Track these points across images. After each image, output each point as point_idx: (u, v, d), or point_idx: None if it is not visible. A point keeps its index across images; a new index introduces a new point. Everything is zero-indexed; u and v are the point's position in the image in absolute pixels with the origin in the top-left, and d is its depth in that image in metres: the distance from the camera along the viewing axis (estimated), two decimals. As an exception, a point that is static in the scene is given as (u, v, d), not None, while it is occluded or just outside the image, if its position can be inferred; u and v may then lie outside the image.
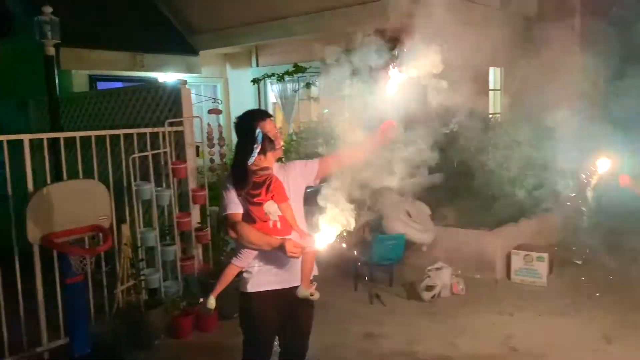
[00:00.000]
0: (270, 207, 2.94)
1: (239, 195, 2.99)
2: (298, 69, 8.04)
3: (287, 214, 2.99)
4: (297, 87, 8.71)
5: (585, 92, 9.89)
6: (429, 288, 6.09)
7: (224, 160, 6.51)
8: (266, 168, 2.98)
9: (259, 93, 10.02)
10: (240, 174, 2.97)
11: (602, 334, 5.04)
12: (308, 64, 8.20)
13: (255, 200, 2.95)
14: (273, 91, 9.73)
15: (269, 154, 2.97)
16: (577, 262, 7.22)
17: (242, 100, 10.05)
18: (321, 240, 2.97)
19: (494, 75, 8.95)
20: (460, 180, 7.11)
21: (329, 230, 2.96)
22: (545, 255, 6.54)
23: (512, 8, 8.67)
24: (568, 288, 6.36)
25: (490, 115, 8.59)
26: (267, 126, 3.10)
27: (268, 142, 2.96)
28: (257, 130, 2.93)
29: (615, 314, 5.45)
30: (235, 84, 10.66)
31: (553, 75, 9.13)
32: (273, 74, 8.41)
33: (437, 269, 6.24)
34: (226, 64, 10.85)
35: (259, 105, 10.05)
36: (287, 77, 8.42)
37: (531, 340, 5.01)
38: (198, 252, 6.03)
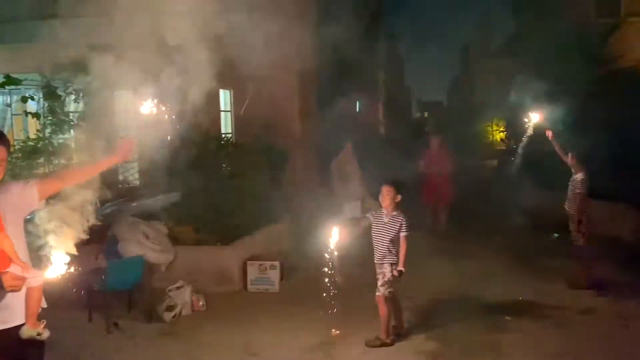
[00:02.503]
0: None
1: None
2: (11, 81, 7.12)
3: (4, 245, 2.65)
4: (9, 100, 7.69)
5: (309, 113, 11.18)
6: (170, 308, 6.04)
7: None
8: None
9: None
10: None
11: (327, 327, 5.70)
12: (23, 75, 7.34)
13: None
14: (-23, 104, 8.42)
15: None
16: (303, 265, 8.03)
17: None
18: (49, 271, 2.73)
19: (224, 97, 9.39)
20: (198, 198, 7.25)
21: (58, 259, 2.73)
22: (278, 263, 7.12)
23: (241, 33, 9.23)
24: (297, 291, 7.03)
25: (224, 135, 8.98)
26: None
27: None
28: None
29: (337, 310, 6.22)
30: None
31: (276, 97, 10.10)
32: (-21, 86, 7.28)
33: (178, 288, 6.24)
34: None
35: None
36: (-4, 89, 7.40)
37: (268, 342, 5.40)
38: None
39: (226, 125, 9.35)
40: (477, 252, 8.74)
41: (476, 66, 31.48)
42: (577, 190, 6.56)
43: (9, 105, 7.72)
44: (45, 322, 2.86)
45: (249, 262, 7.14)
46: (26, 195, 2.88)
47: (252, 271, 7.10)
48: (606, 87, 10.20)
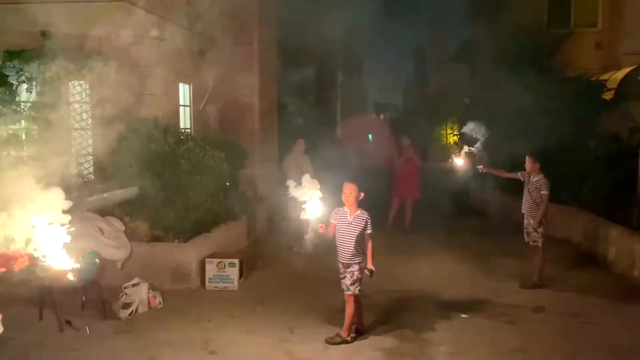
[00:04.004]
0: None
1: None
2: None
3: None
4: (-45, 87, 7.28)
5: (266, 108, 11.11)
6: (126, 305, 5.89)
7: None
8: None
9: None
10: None
11: (286, 325, 5.71)
12: (-30, 61, 6.98)
13: None
14: None
15: None
16: (260, 264, 8.00)
17: None
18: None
19: (184, 92, 9.20)
20: (156, 193, 7.08)
21: None
22: (237, 261, 7.04)
23: (198, 29, 9.09)
24: (256, 289, 7.00)
25: (182, 129, 8.80)
26: None
27: None
28: None
29: (296, 308, 6.23)
30: None
31: (236, 93, 10.00)
32: None
33: (134, 285, 6.09)
34: None
35: None
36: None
37: (227, 341, 5.34)
38: None
39: (185, 120, 9.18)
40: (434, 250, 8.95)
41: (431, 70, 32.12)
42: (543, 192, 6.76)
43: (-46, 93, 7.31)
44: (1, 317, 2.74)
45: (207, 259, 7.04)
46: None
47: (211, 269, 7.00)
48: (556, 95, 10.61)
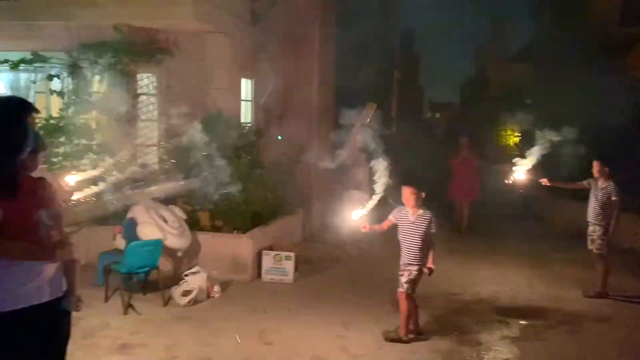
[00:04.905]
0: (43, 215, 2.58)
1: None
2: (39, 58, 7.13)
3: (61, 220, 2.70)
4: (35, 77, 7.71)
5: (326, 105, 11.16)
6: (186, 293, 6.07)
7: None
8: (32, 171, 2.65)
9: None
10: (2, 176, 2.52)
11: (341, 321, 5.73)
12: (49, 53, 7.36)
13: (24, 207, 2.55)
14: (1, 80, 8.41)
15: (40, 156, 2.69)
16: (316, 258, 8.06)
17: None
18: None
19: (246, 86, 9.37)
20: (217, 185, 7.25)
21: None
22: (293, 254, 7.13)
23: (262, 24, 9.24)
24: (311, 283, 7.06)
25: (244, 124, 8.98)
26: (33, 121, 2.71)
27: (42, 141, 2.71)
28: (32, 128, 2.61)
29: (351, 305, 6.25)
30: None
31: (296, 89, 10.09)
32: (6, 60, 7.27)
33: (194, 273, 6.26)
34: None
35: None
36: (22, 66, 7.39)
37: (283, 333, 5.42)
38: None
39: (246, 115, 9.35)
40: (491, 254, 8.74)
41: (492, 69, 31.25)
42: (614, 198, 6.48)
43: (34, 82, 7.74)
44: (82, 296, 2.90)
45: (264, 251, 7.16)
46: None
47: (267, 261, 7.12)
48: (627, 97, 10.12)
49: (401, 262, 5.25)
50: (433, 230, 5.17)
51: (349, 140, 10.07)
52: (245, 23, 8.97)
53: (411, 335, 5.24)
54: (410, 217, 5.17)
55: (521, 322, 5.87)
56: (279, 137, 9.57)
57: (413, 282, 5.16)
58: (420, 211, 5.17)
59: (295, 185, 9.11)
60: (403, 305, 5.19)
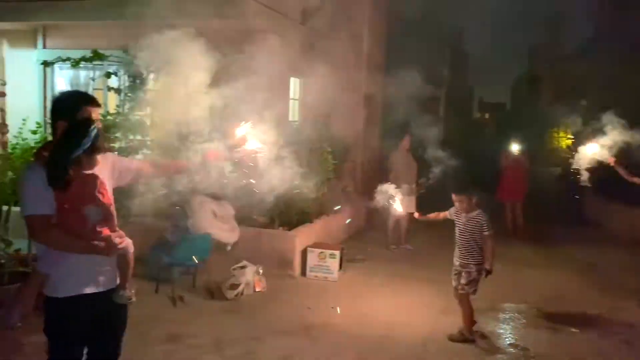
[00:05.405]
0: (92, 210, 2.70)
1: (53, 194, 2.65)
2: (98, 56, 7.44)
3: (113, 216, 2.79)
4: (93, 75, 8.04)
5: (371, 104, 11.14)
6: (233, 286, 6.19)
7: (7, 149, 5.71)
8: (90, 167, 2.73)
9: (45, 77, 8.97)
10: (57, 170, 2.60)
11: (386, 321, 5.71)
12: (107, 51, 7.65)
13: (74, 201, 2.66)
14: (63, 77, 8.82)
15: (98, 155, 2.75)
16: (361, 258, 8.07)
17: (22, 84, 8.87)
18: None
19: (294, 85, 9.47)
20: (264, 181, 7.35)
21: None
22: (337, 253, 7.15)
23: (311, 23, 9.30)
24: (355, 282, 7.06)
25: (291, 122, 9.07)
26: (95, 114, 2.80)
27: (101, 141, 2.73)
28: (93, 127, 2.66)
29: (395, 306, 6.22)
30: (14, 65, 9.36)
31: (345, 90, 10.10)
32: (69, 58, 7.62)
33: (241, 267, 6.38)
34: (3, 40, 9.46)
35: (45, 90, 9.00)
36: (82, 64, 7.72)
37: (327, 330, 5.45)
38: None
39: (294, 113, 9.45)
40: (540, 260, 8.51)
41: (546, 68, 30.31)
42: None
43: (93, 80, 8.07)
44: (136, 289, 2.99)
45: (309, 248, 7.22)
46: (123, 170, 3.04)
47: (312, 258, 7.17)
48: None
49: (456, 263, 5.26)
50: (486, 232, 5.10)
51: (397, 139, 10.04)
52: (295, 21, 9.05)
53: (475, 335, 5.27)
54: (462, 219, 5.19)
55: (572, 330, 5.69)
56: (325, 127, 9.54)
57: (474, 283, 5.17)
58: (474, 213, 5.17)
59: (341, 184, 9.13)
60: (465, 306, 5.22)
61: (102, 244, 2.72)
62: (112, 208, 2.84)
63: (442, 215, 5.45)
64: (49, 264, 2.79)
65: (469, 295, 5.21)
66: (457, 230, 5.26)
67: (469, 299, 5.21)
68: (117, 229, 2.90)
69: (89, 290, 2.84)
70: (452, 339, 5.24)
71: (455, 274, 5.27)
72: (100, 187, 2.76)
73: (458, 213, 5.24)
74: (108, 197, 2.80)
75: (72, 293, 2.80)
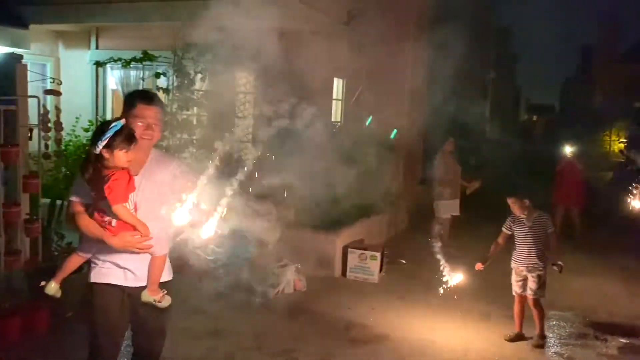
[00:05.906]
0: (106, 205, 2.74)
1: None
2: (148, 57, 7.67)
3: (123, 216, 2.74)
4: (143, 75, 8.29)
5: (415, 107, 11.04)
6: (274, 285, 6.27)
7: (61, 146, 5.97)
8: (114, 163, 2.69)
9: (97, 77, 9.31)
10: (84, 160, 2.77)
11: (427, 325, 5.67)
12: (157, 52, 7.88)
13: (95, 194, 2.74)
14: (114, 77, 9.13)
15: (120, 152, 2.66)
16: (402, 261, 8.01)
17: (76, 84, 9.24)
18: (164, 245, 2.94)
19: (337, 86, 9.50)
20: (305, 182, 7.40)
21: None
22: (378, 254, 7.13)
23: (356, 25, 9.29)
24: (396, 284, 7.02)
25: (334, 123, 9.10)
26: (147, 112, 2.86)
27: (123, 138, 2.65)
28: (118, 122, 2.66)
29: (435, 309, 6.15)
30: (69, 65, 9.76)
31: (388, 91, 10.06)
32: (120, 59, 7.90)
33: (282, 266, 6.45)
34: (58, 42, 9.87)
35: (97, 89, 9.35)
36: (132, 64, 7.99)
37: (367, 331, 5.46)
38: (25, 246, 5.43)
39: (337, 114, 9.48)
40: (589, 267, 8.22)
41: (599, 69, 29.33)
42: None
43: (143, 80, 8.31)
44: (165, 292, 3.01)
45: (349, 249, 7.23)
46: (176, 183, 2.93)
47: (353, 259, 7.18)
48: None
49: (520, 268, 5.22)
50: (551, 230, 5.15)
51: (441, 141, 9.92)
52: (341, 23, 9.07)
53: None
54: (526, 223, 5.17)
55: (620, 340, 5.50)
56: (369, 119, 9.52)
57: (544, 285, 5.17)
58: (536, 214, 5.17)
59: (383, 185, 9.08)
60: (539, 310, 5.23)
61: (116, 239, 2.77)
62: (124, 210, 2.75)
63: (500, 241, 5.37)
64: (83, 248, 2.99)
65: (540, 299, 5.22)
66: (518, 236, 5.21)
67: (538, 303, 5.23)
68: (146, 230, 2.80)
69: (115, 281, 2.96)
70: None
71: (520, 280, 5.24)
72: (113, 185, 2.67)
73: (519, 220, 5.20)
74: (118, 197, 2.70)
75: (101, 280, 2.95)
